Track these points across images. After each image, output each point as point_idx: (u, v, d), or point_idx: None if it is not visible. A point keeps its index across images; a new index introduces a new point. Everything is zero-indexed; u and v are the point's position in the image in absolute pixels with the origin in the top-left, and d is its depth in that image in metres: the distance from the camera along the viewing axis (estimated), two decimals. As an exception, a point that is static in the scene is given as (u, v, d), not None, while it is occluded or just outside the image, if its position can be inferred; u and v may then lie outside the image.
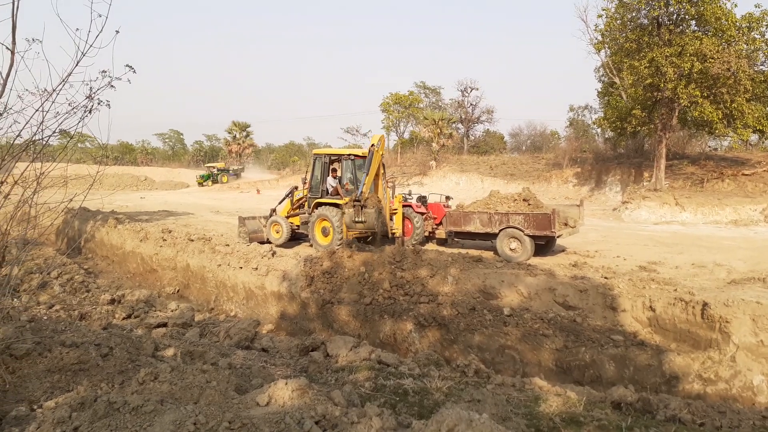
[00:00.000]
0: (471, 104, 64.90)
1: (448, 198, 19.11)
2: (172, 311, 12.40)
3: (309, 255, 13.47)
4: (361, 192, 14.46)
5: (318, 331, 11.54)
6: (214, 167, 64.49)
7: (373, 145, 14.79)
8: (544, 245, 14.85)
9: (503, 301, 10.67)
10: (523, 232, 14.28)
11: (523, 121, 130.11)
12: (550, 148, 56.94)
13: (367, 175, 14.55)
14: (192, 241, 16.38)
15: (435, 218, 17.22)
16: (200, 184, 61.82)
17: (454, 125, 57.21)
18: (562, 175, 39.53)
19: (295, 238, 17.35)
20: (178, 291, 15.57)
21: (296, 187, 17.71)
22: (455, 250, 14.55)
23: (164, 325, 11.07)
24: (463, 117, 64.60)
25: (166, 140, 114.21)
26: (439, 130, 51.07)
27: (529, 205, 15.08)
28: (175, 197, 45.64)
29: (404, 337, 10.64)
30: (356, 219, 14.28)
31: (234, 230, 19.42)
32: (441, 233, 16.66)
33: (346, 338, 8.95)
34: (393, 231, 15.71)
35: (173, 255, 16.20)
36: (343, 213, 14.66)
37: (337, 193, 15.90)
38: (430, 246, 16.27)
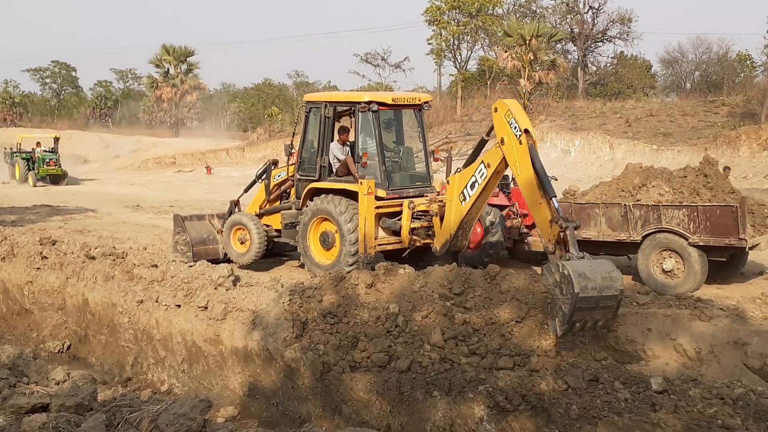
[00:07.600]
0: (591, 7, 43.39)
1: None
2: (57, 384, 9.98)
3: (298, 283, 11.58)
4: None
5: (316, 419, 9.63)
6: (18, 148, 40.77)
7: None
8: (727, 264, 12.44)
9: (651, 365, 8.85)
10: (686, 239, 11.80)
11: (685, 38, 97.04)
12: (736, 86, 41.45)
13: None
14: (93, 259, 14.40)
15: (525, 215, 14.50)
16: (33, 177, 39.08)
17: (560, 45, 42.63)
18: (760, 135, 28.94)
19: (275, 252, 15.21)
20: (68, 348, 13.49)
21: (275, 162, 15.16)
22: None
23: (44, 408, 8.83)
24: (578, 31, 44.67)
25: (47, 81, 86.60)
26: (532, 55, 36.32)
27: (708, 188, 12.03)
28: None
29: (470, 430, 8.51)
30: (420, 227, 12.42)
31: (166, 239, 17.26)
32: (536, 243, 14.12)
33: (366, 433, 7.82)
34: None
35: (60, 284, 14.34)
36: (373, 209, 12.34)
37: (348, 172, 13.27)
38: (516, 266, 14.18)
